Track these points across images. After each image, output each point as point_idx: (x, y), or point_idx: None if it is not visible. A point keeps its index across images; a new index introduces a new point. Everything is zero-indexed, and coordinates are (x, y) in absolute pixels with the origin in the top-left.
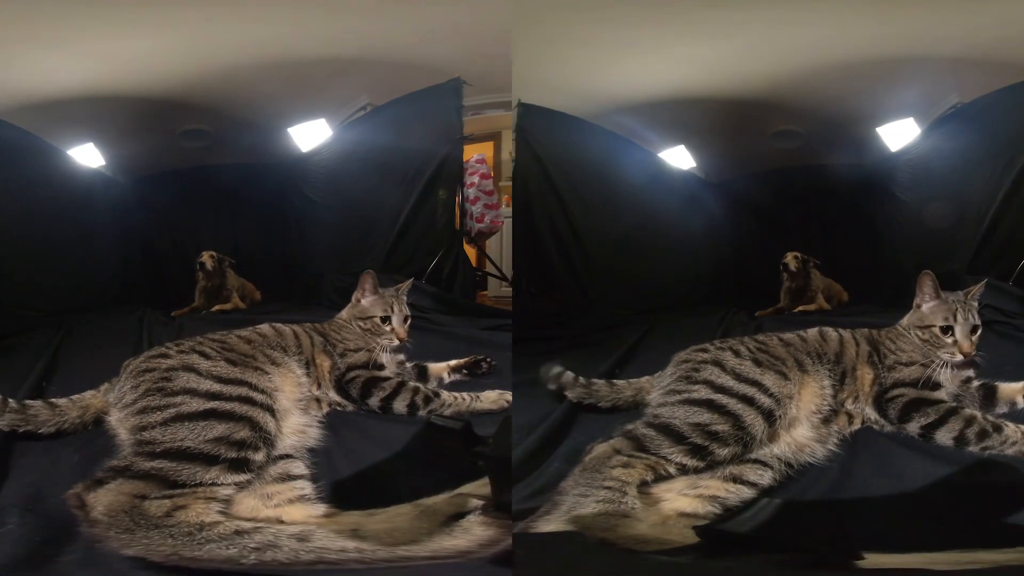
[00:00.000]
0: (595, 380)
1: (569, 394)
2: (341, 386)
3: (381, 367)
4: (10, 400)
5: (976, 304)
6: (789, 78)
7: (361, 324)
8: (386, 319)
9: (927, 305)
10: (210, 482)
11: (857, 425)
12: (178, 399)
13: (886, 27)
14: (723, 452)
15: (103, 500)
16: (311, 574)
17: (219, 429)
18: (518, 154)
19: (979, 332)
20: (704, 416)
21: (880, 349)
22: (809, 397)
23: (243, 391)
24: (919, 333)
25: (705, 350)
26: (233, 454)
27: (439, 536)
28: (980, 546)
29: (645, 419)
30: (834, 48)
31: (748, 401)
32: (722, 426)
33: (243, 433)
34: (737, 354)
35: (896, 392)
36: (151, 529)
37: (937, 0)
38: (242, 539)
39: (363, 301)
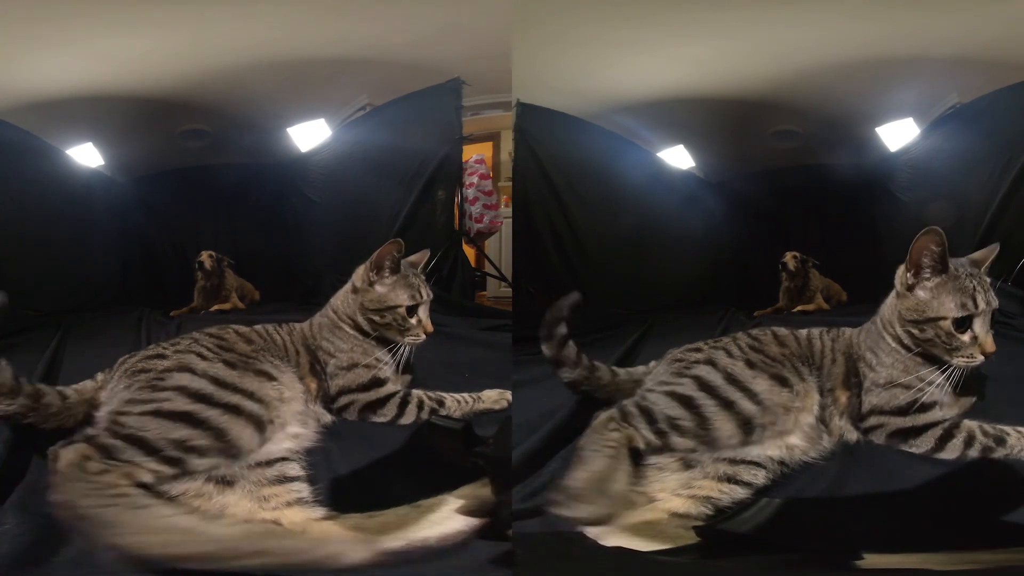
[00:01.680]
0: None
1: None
2: (333, 409)
3: (383, 382)
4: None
5: (988, 279)
6: (788, 78)
7: (375, 318)
8: (413, 309)
9: (928, 285)
10: (135, 463)
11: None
12: (164, 395)
13: (885, 27)
14: (679, 442)
15: (65, 456)
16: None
17: (183, 433)
18: (517, 154)
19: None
20: (677, 411)
21: (857, 365)
22: (809, 404)
23: (236, 399)
24: (913, 331)
25: (698, 349)
26: (175, 454)
27: (411, 528)
28: (979, 546)
29: (640, 396)
30: (833, 48)
31: (727, 406)
32: (688, 423)
33: (202, 441)
34: (730, 355)
35: (874, 421)
36: (81, 481)
37: (937, 0)
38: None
39: (378, 286)
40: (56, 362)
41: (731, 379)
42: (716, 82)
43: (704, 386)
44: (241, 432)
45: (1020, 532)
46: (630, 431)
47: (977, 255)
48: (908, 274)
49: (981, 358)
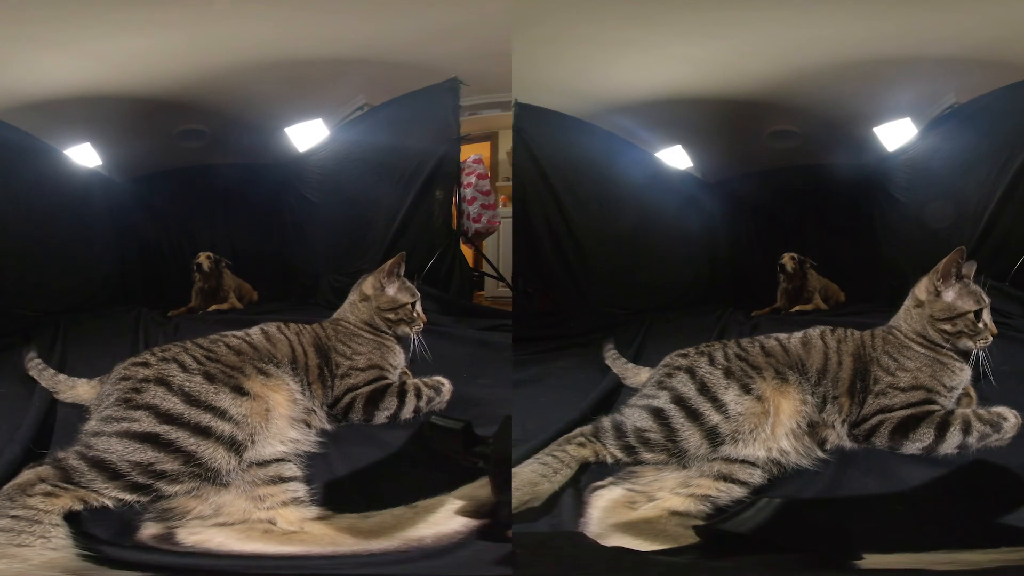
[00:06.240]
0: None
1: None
2: (334, 414)
3: (384, 376)
4: None
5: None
6: (786, 78)
7: (390, 316)
8: (414, 305)
9: (953, 290)
10: (95, 489)
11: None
12: (136, 414)
13: (883, 27)
14: (649, 456)
15: (23, 475)
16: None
17: (148, 455)
18: (515, 154)
19: None
20: (647, 423)
21: (871, 370)
22: (789, 411)
23: (205, 419)
24: (946, 327)
25: (685, 355)
26: (141, 479)
27: (408, 528)
28: (977, 546)
29: (619, 411)
30: (831, 48)
31: (695, 417)
32: (656, 435)
33: (169, 465)
34: (712, 362)
35: (878, 420)
36: (4, 499)
37: (934, 0)
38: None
39: (389, 290)
40: (63, 367)
41: (703, 389)
42: (714, 82)
43: (676, 398)
44: (213, 454)
45: (1018, 533)
46: (597, 446)
47: (964, 270)
48: (938, 283)
49: (991, 339)
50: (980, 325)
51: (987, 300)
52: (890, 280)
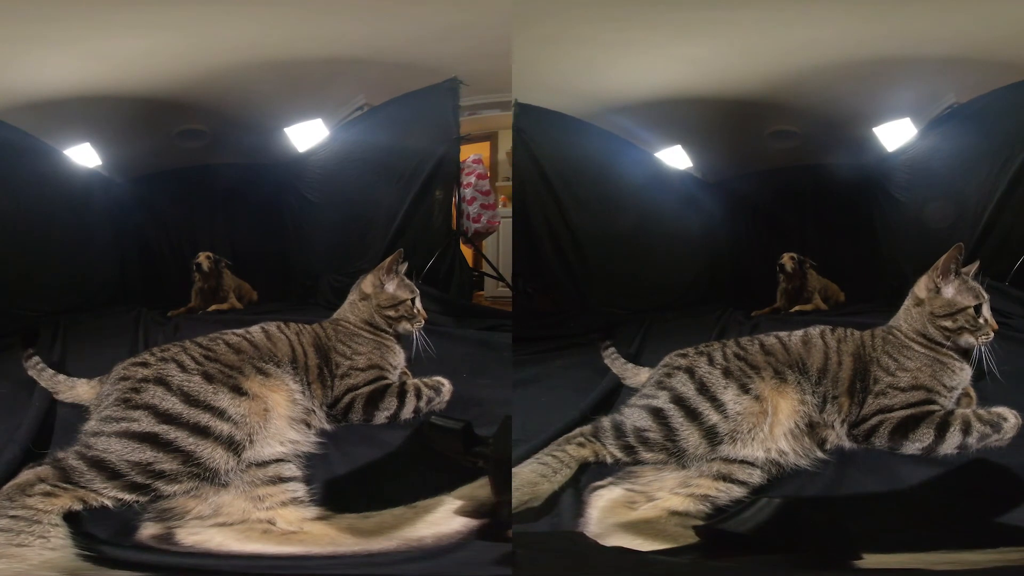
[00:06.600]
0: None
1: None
2: (333, 414)
3: (384, 376)
4: None
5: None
6: (786, 78)
7: (391, 313)
8: (413, 301)
9: (952, 286)
10: (95, 489)
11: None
12: (135, 414)
13: (882, 27)
14: (648, 456)
15: (22, 475)
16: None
17: (147, 455)
18: (515, 155)
19: None
20: (646, 423)
21: (871, 370)
22: (788, 411)
23: (204, 419)
24: (946, 323)
25: (684, 355)
26: (140, 479)
27: (407, 528)
28: (977, 546)
29: (618, 411)
30: (831, 48)
31: (694, 416)
32: (655, 435)
33: (168, 465)
34: (711, 361)
35: (878, 420)
36: (4, 499)
37: (934, 0)
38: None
39: (388, 287)
40: (63, 367)
41: (702, 388)
42: (714, 82)
43: (675, 398)
44: (212, 454)
45: (1018, 533)
46: (596, 446)
47: (964, 268)
48: (937, 279)
49: (992, 334)
50: (981, 320)
51: (986, 295)
52: (890, 280)
